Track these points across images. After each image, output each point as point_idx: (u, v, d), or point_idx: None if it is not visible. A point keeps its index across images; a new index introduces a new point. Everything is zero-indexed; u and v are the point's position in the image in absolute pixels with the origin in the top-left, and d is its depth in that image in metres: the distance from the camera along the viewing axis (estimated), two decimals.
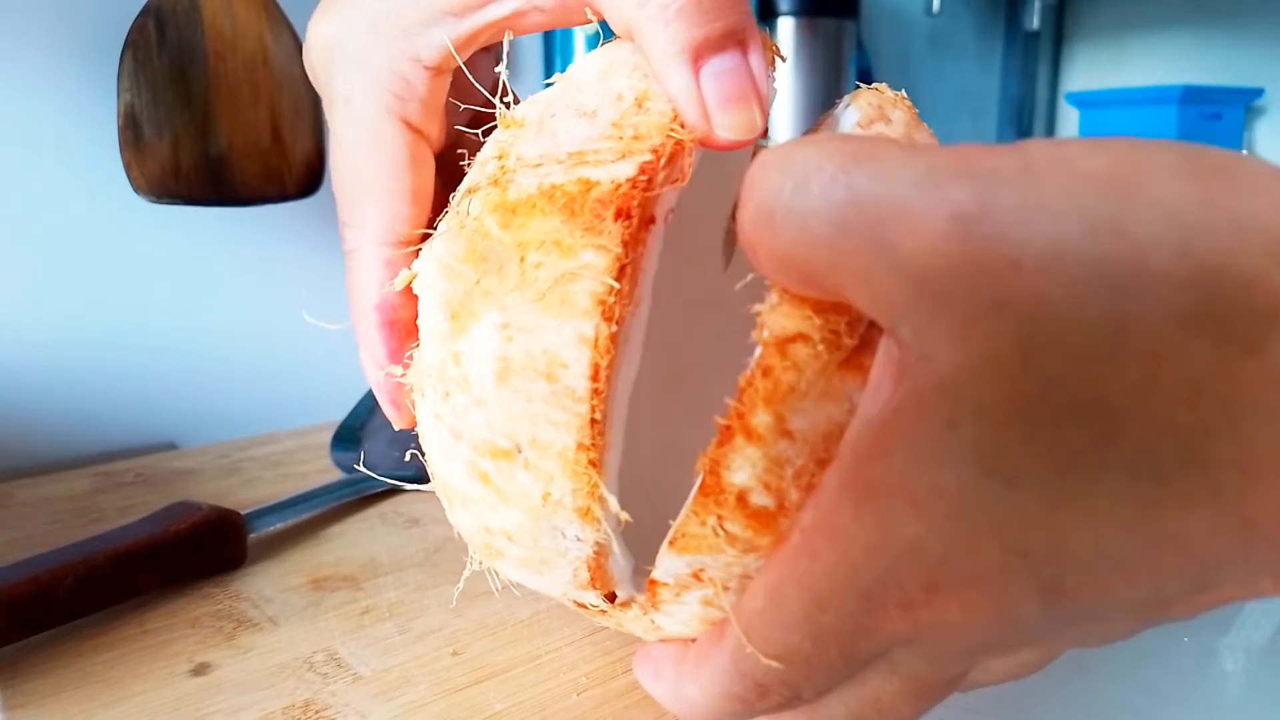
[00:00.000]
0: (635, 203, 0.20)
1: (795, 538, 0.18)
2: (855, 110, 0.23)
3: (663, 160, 0.21)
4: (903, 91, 0.24)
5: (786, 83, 0.82)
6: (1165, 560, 0.16)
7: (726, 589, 0.20)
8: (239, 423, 0.55)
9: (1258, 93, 0.97)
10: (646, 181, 0.20)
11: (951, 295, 0.15)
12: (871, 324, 0.18)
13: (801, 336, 0.18)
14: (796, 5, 0.81)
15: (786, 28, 0.82)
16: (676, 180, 0.21)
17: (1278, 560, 0.16)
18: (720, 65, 0.22)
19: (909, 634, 0.18)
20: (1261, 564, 0.16)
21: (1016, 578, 0.16)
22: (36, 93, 0.48)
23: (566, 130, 0.22)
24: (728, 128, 0.22)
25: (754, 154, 0.30)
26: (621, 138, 0.21)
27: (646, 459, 0.31)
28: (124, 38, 0.43)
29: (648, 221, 0.21)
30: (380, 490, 0.43)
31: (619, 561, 0.23)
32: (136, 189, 0.44)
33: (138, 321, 0.52)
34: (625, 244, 0.20)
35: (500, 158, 0.22)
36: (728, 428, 0.19)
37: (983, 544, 0.16)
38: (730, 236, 0.32)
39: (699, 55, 0.21)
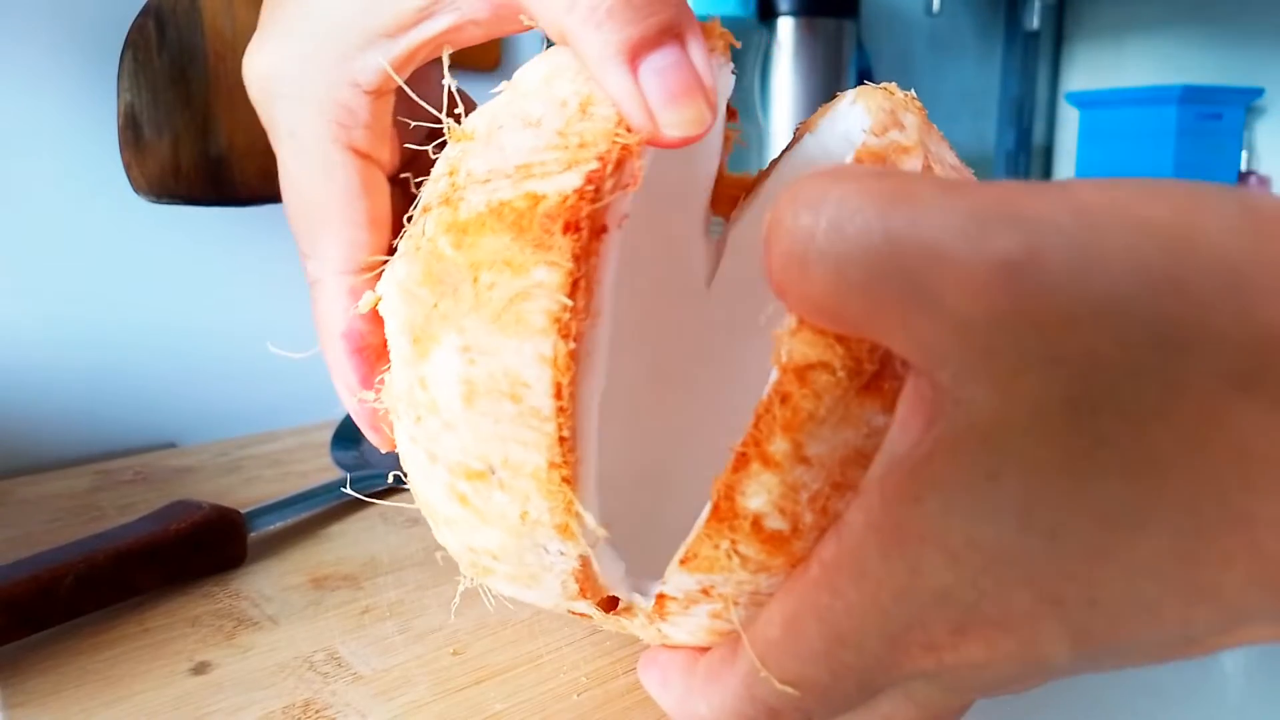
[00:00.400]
0: (584, 214, 0.19)
1: (815, 570, 0.18)
2: (865, 113, 0.22)
3: (609, 167, 0.20)
4: (912, 91, 0.24)
5: (787, 82, 0.82)
6: (1199, 609, 0.16)
7: (736, 604, 0.20)
8: (239, 421, 0.55)
9: (1258, 93, 0.97)
10: (594, 191, 0.20)
11: (998, 346, 0.14)
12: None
13: (823, 365, 0.18)
14: (796, 5, 0.81)
15: (786, 28, 0.82)
16: (627, 186, 0.21)
17: None
18: (659, 61, 0.21)
19: (931, 671, 0.18)
20: None
21: (1046, 624, 0.16)
22: (36, 93, 0.48)
23: (514, 142, 0.21)
24: (675, 125, 0.21)
25: (726, 142, 0.29)
26: (567, 147, 0.20)
27: (639, 451, 0.31)
28: (124, 38, 0.43)
29: (599, 232, 0.20)
30: (380, 489, 0.43)
31: (609, 567, 0.23)
32: (136, 189, 0.44)
33: (138, 321, 0.52)
34: (576, 258, 0.19)
35: (451, 174, 0.22)
36: (743, 454, 0.18)
37: (1015, 592, 0.16)
38: (718, 244, 0.31)
39: (635, 54, 0.21)
